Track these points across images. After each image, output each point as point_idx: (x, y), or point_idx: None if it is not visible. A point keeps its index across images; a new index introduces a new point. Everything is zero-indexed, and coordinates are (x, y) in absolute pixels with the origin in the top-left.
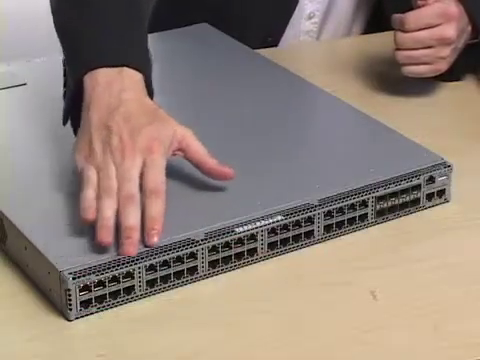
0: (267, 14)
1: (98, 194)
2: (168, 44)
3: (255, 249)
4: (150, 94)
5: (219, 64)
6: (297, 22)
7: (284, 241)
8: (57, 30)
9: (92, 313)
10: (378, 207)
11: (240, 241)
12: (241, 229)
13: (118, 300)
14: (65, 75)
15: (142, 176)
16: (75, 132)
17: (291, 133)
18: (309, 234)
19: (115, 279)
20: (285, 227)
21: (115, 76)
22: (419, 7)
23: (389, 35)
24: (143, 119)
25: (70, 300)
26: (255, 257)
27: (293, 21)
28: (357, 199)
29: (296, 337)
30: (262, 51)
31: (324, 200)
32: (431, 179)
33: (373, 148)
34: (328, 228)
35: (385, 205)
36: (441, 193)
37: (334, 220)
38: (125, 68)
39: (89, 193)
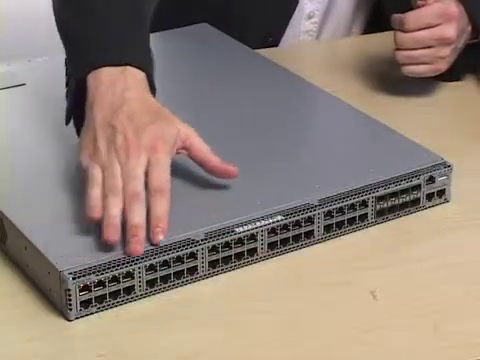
0: (267, 14)
1: (104, 193)
2: (168, 44)
3: (255, 249)
4: (153, 93)
5: (219, 64)
6: (297, 22)
7: (284, 241)
8: (59, 29)
9: (92, 313)
10: (378, 207)
11: (240, 241)
12: (241, 229)
13: (118, 300)
14: (67, 74)
15: (147, 175)
16: (78, 131)
17: (291, 133)
18: (309, 234)
19: (115, 279)
20: (285, 227)
21: (118, 75)
22: (419, 7)
23: (389, 35)
24: (147, 118)
25: (70, 300)
26: (255, 257)
27: (293, 21)
28: (357, 199)
29: (296, 337)
30: (262, 51)
31: (324, 200)
32: (431, 179)
33: (373, 148)
34: (328, 228)
35: (385, 205)
36: (441, 193)
37: (334, 220)
38: (128, 67)
39: (95, 192)
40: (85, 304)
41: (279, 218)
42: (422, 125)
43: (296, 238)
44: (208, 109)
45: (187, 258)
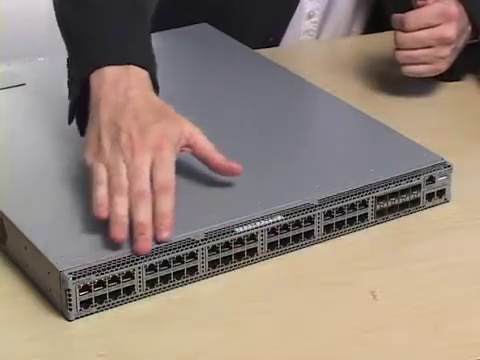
0: (267, 14)
1: (110, 192)
2: (168, 44)
3: (255, 249)
4: (156, 91)
5: (219, 64)
6: (297, 21)
7: (284, 241)
8: (60, 27)
9: (92, 313)
10: (378, 207)
11: (240, 241)
12: (241, 229)
13: (118, 300)
14: (69, 74)
15: (151, 173)
16: (80, 130)
17: (291, 133)
18: (309, 234)
19: (115, 279)
20: (285, 227)
21: (121, 74)
22: (419, 7)
23: (389, 35)
24: (151, 116)
25: (70, 300)
26: (255, 257)
27: (293, 20)
28: (357, 199)
29: (296, 337)
30: (262, 51)
31: (324, 200)
32: (431, 179)
33: (373, 148)
34: (328, 228)
35: (385, 205)
36: (441, 193)
37: (334, 220)
38: (131, 66)
39: (101, 191)
40: (85, 304)
41: (279, 218)
42: (422, 125)
43: (296, 238)
44: (208, 109)
45: (187, 258)
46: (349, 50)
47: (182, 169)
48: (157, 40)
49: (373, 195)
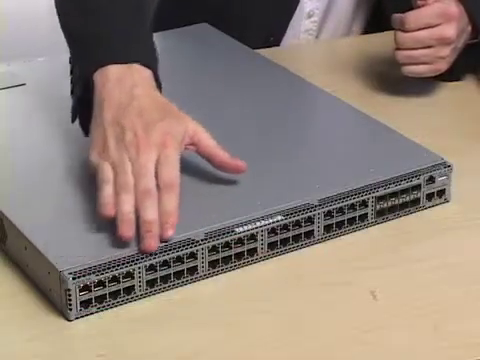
0: (267, 14)
1: (116, 190)
2: (168, 44)
3: (255, 249)
4: (159, 90)
5: (219, 64)
6: (297, 21)
7: (284, 241)
8: (62, 27)
9: (92, 313)
10: (378, 207)
11: (240, 241)
12: (241, 229)
13: (118, 300)
14: (72, 73)
15: (156, 171)
16: (83, 129)
17: (291, 133)
18: (309, 234)
19: (115, 279)
20: (285, 227)
21: (125, 72)
22: (419, 7)
23: (389, 35)
24: (155, 114)
25: (70, 300)
26: (255, 257)
27: (293, 20)
28: (357, 199)
29: (296, 337)
30: (262, 51)
31: (324, 200)
32: (431, 179)
33: (373, 148)
34: (328, 228)
35: (385, 205)
36: (441, 193)
37: (334, 220)
38: (135, 64)
39: (107, 189)
40: (85, 304)
41: (279, 218)
42: (422, 125)
43: (296, 238)
44: (208, 109)
45: (187, 258)
46: (349, 50)
47: (182, 169)
48: (157, 40)
49: (373, 195)
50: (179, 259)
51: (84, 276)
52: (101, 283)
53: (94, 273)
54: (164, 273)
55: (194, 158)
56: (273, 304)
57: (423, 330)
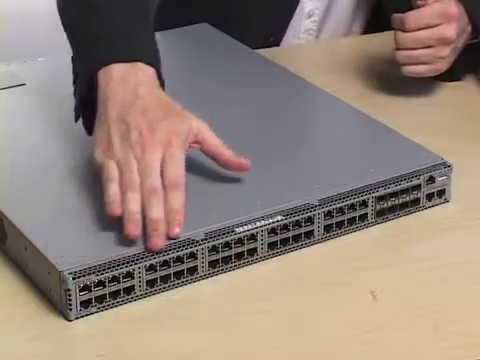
0: (267, 14)
1: (121, 189)
2: (168, 44)
3: (255, 249)
4: (162, 88)
5: (219, 64)
6: (297, 21)
7: (284, 241)
8: (65, 28)
9: (92, 313)
10: (378, 207)
11: (240, 241)
12: (241, 229)
13: (118, 300)
14: (74, 72)
15: (162, 169)
16: (86, 127)
17: (291, 133)
18: (309, 234)
19: (115, 279)
20: (285, 227)
21: (129, 71)
22: (419, 7)
23: (389, 35)
24: (159, 113)
25: (70, 300)
26: (255, 257)
27: (293, 20)
28: (357, 199)
29: (296, 337)
30: (262, 51)
31: (324, 200)
32: (431, 179)
33: (373, 148)
34: (328, 228)
35: (385, 205)
36: (441, 193)
37: (334, 220)
38: (138, 63)
39: (113, 188)
40: (85, 304)
41: (279, 218)
42: (422, 125)
43: (296, 238)
44: (208, 109)
45: (187, 258)
46: (349, 50)
47: None
48: (157, 40)
49: (373, 195)
50: (179, 259)
51: (84, 276)
52: (101, 283)
53: (94, 273)
54: (164, 273)
55: (194, 158)
56: (273, 304)
57: (423, 330)
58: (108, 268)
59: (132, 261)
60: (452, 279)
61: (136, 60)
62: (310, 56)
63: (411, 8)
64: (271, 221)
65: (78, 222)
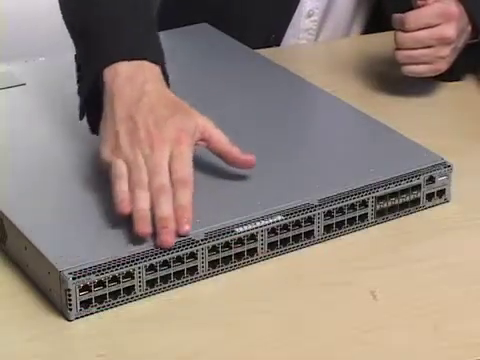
0: (268, 14)
1: (130, 187)
2: (168, 44)
3: (255, 249)
4: (167, 86)
5: (219, 64)
6: (297, 20)
7: (284, 241)
8: (68, 27)
9: (92, 313)
10: (378, 207)
11: (240, 241)
12: (241, 229)
13: (118, 300)
14: (78, 70)
15: (170, 167)
16: (91, 126)
17: (291, 133)
18: (309, 234)
19: (115, 279)
20: (285, 227)
21: (136, 69)
22: (419, 7)
23: (389, 35)
24: (165, 111)
25: (70, 300)
26: (255, 257)
27: (293, 20)
28: (357, 199)
29: (296, 337)
30: (262, 51)
31: (324, 200)
32: (431, 179)
33: (373, 148)
34: (328, 228)
35: (385, 205)
36: (441, 193)
37: (334, 220)
38: (145, 62)
39: (122, 186)
40: (85, 304)
41: (279, 218)
42: (422, 125)
43: (296, 238)
44: (208, 109)
45: (187, 258)
46: (349, 50)
47: None
48: None
49: (373, 195)
50: (179, 259)
51: (84, 276)
52: (101, 283)
53: (94, 273)
54: (164, 273)
55: (194, 158)
56: (273, 304)
57: (423, 330)
58: (108, 268)
59: (132, 261)
60: (452, 279)
61: (143, 58)
62: (310, 56)
63: (411, 8)
64: (271, 221)
65: (78, 222)
